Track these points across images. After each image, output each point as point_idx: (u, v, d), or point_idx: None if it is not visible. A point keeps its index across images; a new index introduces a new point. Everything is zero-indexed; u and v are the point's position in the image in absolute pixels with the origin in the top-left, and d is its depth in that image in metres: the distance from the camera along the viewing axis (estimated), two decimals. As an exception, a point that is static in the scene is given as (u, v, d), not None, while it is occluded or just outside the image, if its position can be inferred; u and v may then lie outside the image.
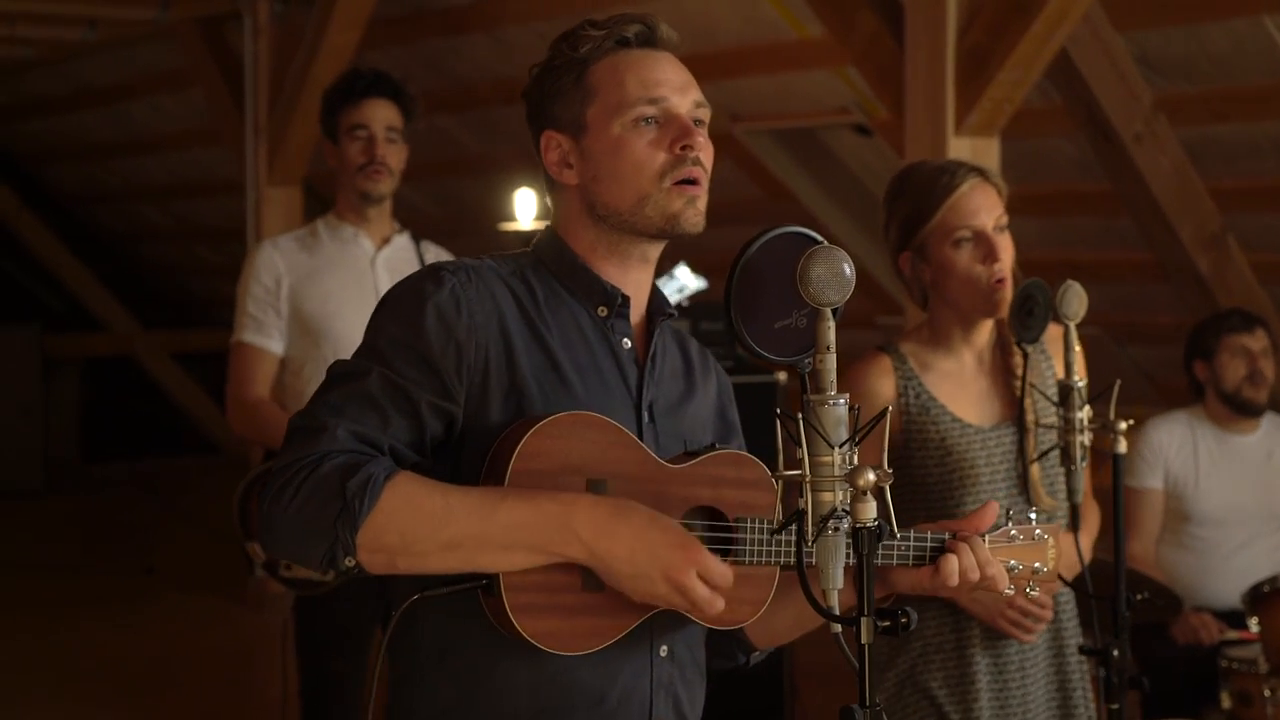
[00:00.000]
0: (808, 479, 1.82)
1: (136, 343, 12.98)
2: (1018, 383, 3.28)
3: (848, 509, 1.82)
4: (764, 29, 6.78)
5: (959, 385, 3.28)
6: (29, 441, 12.59)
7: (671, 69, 2.26)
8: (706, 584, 2.08)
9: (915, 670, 3.26)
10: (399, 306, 2.19)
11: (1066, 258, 7.26)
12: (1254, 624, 4.61)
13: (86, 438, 13.56)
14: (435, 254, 4.59)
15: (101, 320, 13.33)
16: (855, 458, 1.82)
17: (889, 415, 3.09)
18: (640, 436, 2.22)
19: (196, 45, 8.57)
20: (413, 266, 4.39)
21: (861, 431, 1.84)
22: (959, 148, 4.82)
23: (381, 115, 4.46)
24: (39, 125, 12.42)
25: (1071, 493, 2.88)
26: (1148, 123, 5.82)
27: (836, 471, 1.80)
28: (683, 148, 2.20)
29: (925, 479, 3.23)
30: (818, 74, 6.81)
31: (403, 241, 4.59)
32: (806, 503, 1.82)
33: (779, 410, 1.85)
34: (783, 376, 5.34)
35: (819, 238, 1.96)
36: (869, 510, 1.80)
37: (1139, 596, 2.84)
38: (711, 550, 2.13)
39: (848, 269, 1.83)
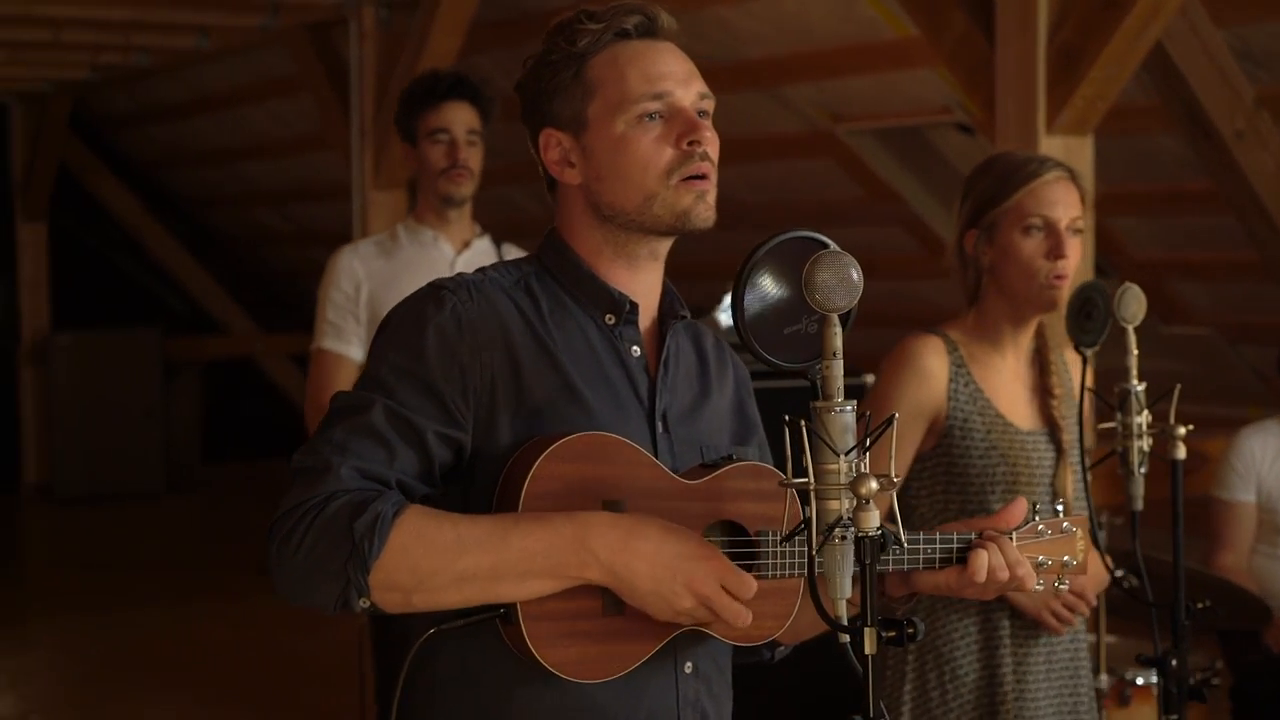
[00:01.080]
0: (813, 487, 1.78)
1: (256, 345, 13.15)
2: (1054, 403, 3.23)
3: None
4: (863, 28, 6.73)
5: (1003, 383, 3.24)
6: (150, 443, 12.78)
7: (674, 60, 2.18)
8: (731, 595, 2.03)
9: (943, 675, 3.20)
10: (400, 331, 2.13)
11: (1174, 257, 7.14)
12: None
13: (207, 440, 13.74)
14: (517, 256, 4.57)
15: (222, 323, 13.52)
16: (865, 465, 1.78)
17: (915, 397, 3.13)
18: (654, 447, 2.17)
19: (305, 51, 8.66)
20: None
21: (872, 436, 1.80)
22: (1051, 147, 4.74)
23: (462, 118, 4.44)
24: (160, 131, 12.63)
25: (1132, 499, 2.82)
26: (1249, 119, 5.69)
27: (842, 479, 1.77)
28: (690, 143, 2.13)
29: (967, 470, 3.17)
30: (919, 73, 6.75)
31: (483, 245, 4.57)
32: (812, 511, 1.79)
33: (786, 417, 1.81)
34: (870, 378, 5.29)
35: (828, 241, 1.92)
36: (872, 519, 1.76)
37: (1200, 604, 2.77)
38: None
39: (855, 274, 1.79)
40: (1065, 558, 2.37)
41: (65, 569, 10.47)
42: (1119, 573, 3.60)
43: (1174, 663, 2.70)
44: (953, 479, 3.19)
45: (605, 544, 2.01)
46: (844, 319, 1.83)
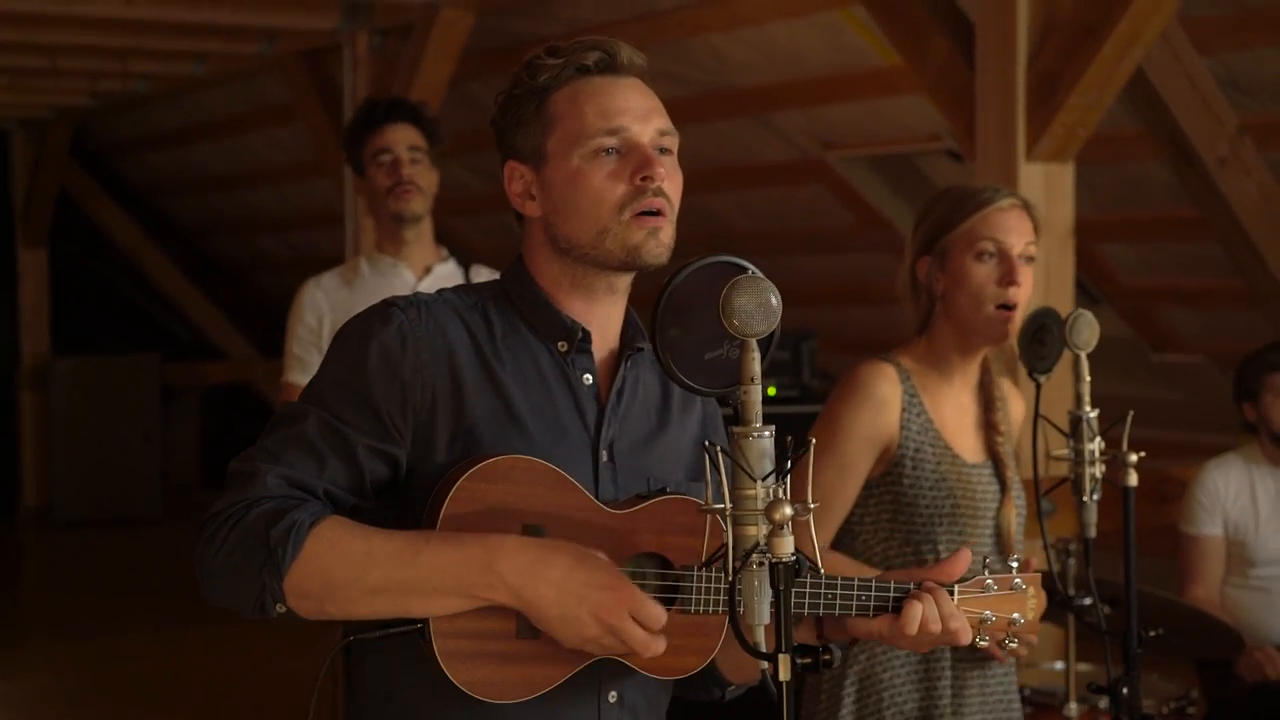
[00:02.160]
0: (729, 512, 1.78)
1: (256, 371, 13.15)
2: (999, 438, 3.22)
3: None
4: (853, 56, 6.74)
5: (950, 414, 3.22)
6: (148, 468, 12.80)
7: (634, 96, 2.19)
8: (641, 626, 2.03)
9: (881, 703, 3.19)
10: (345, 346, 2.16)
11: (1165, 284, 7.14)
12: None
13: (205, 465, 13.75)
14: (487, 278, 4.55)
15: (222, 349, 13.54)
16: (782, 491, 1.78)
17: (866, 423, 3.11)
18: (596, 477, 2.16)
19: (300, 78, 8.69)
20: None
21: (792, 460, 1.80)
22: (1031, 174, 4.75)
23: (403, 137, 4.43)
24: (160, 158, 12.67)
25: (1084, 526, 2.81)
26: (1232, 146, 5.69)
27: (760, 505, 1.76)
28: (643, 179, 2.13)
29: (916, 501, 3.14)
30: (909, 100, 6.76)
31: (447, 270, 4.55)
32: (728, 536, 1.78)
33: (706, 442, 1.81)
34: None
35: (748, 266, 1.92)
36: (786, 545, 1.75)
37: (1152, 633, 2.76)
38: (659, 599, 2.08)
39: (774, 299, 1.79)
40: (1014, 615, 2.33)
41: (62, 593, 10.46)
42: (1087, 600, 3.58)
43: (1125, 690, 2.68)
44: (900, 509, 3.16)
45: (512, 568, 2.01)
46: (765, 345, 1.83)
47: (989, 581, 2.31)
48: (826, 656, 1.79)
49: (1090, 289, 7.31)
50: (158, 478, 12.84)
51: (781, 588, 1.73)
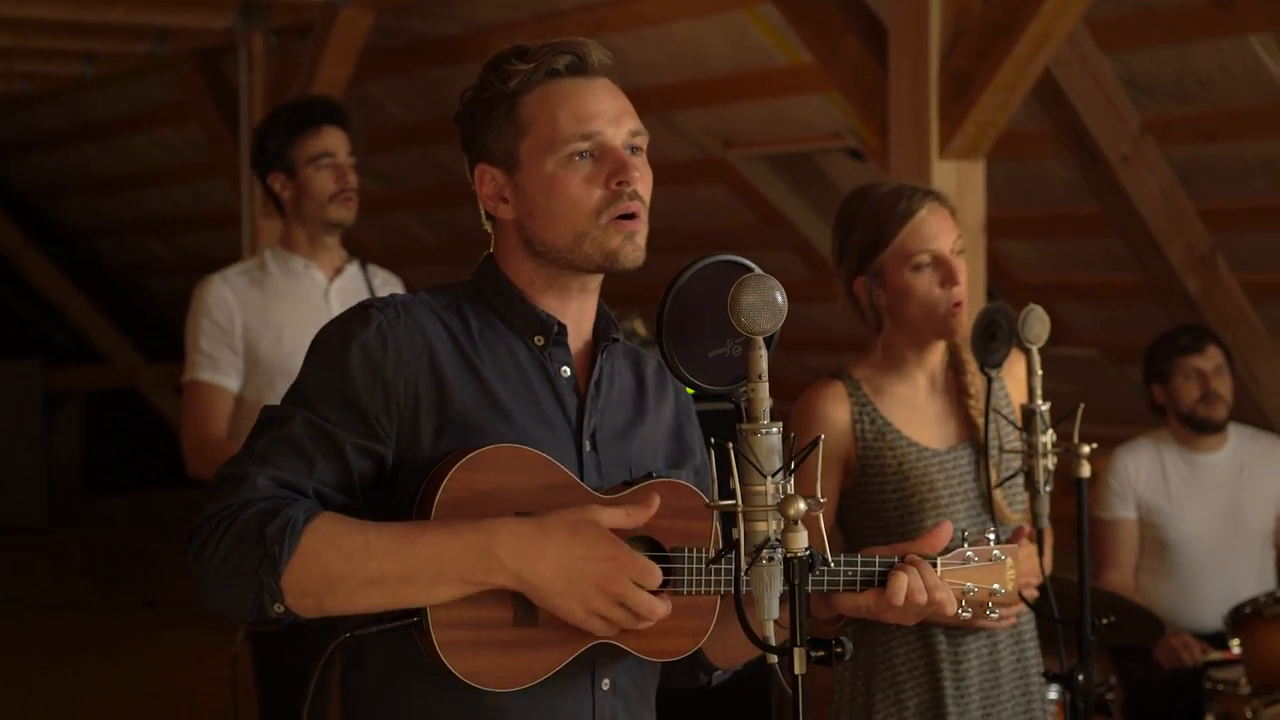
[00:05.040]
0: (740, 509, 1.80)
1: (140, 376, 12.96)
2: (972, 403, 3.27)
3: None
4: (755, 55, 6.79)
5: (913, 409, 3.28)
6: (32, 476, 12.59)
7: (605, 98, 2.22)
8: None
9: (888, 699, 3.24)
10: (325, 348, 2.19)
11: (1062, 280, 7.26)
12: (1235, 645, 4.59)
13: (89, 471, 13.54)
14: (384, 279, 4.55)
15: (105, 353, 13.33)
16: (790, 487, 1.80)
17: (822, 442, 3.15)
18: (581, 466, 2.20)
19: (193, 78, 8.59)
20: (365, 294, 4.31)
21: (796, 459, 1.82)
22: (943, 171, 4.81)
23: (343, 142, 4.40)
24: (42, 159, 12.45)
25: (1036, 518, 2.86)
26: (1135, 144, 5.81)
27: (770, 501, 1.79)
28: (619, 183, 2.17)
29: (883, 504, 3.22)
30: (810, 99, 6.82)
31: (353, 270, 4.52)
32: (740, 533, 1.81)
33: (712, 439, 1.84)
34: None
35: (752, 266, 1.95)
36: (800, 539, 1.78)
37: (1105, 621, 2.82)
38: None
39: (779, 297, 1.82)
40: (994, 585, 2.37)
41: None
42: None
43: (1080, 678, 2.74)
44: (874, 514, 3.24)
45: (509, 551, 2.04)
46: (768, 342, 1.85)
47: (969, 554, 2.36)
48: (839, 650, 1.82)
49: (988, 285, 7.41)
50: (42, 486, 12.64)
51: (797, 582, 1.76)
